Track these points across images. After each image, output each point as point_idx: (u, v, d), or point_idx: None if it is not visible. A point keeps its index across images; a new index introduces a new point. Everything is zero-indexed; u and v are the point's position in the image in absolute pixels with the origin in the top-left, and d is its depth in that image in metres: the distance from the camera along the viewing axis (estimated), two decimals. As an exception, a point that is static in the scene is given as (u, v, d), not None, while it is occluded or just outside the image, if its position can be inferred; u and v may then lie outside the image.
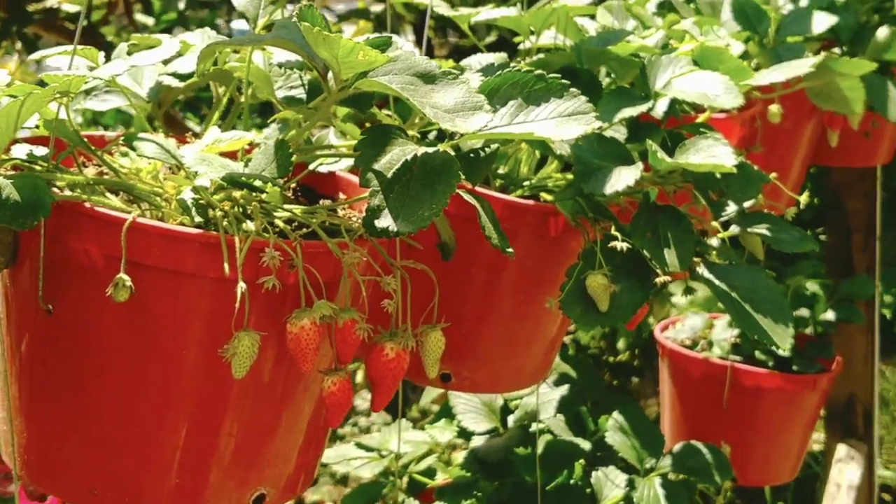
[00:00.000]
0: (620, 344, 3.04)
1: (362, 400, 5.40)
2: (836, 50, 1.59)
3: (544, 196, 1.04)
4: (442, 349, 0.79)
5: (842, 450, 2.23)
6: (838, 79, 1.35)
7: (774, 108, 1.38)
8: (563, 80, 0.74)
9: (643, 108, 0.96)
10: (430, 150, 0.71)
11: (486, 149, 0.81)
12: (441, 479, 1.39)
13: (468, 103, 0.70)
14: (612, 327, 3.07)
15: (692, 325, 1.94)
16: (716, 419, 1.82)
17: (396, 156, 0.70)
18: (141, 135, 0.72)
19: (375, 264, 0.75)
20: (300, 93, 0.84)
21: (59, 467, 0.77)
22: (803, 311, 1.96)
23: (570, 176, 1.02)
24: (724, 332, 1.88)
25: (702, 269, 0.95)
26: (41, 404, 0.76)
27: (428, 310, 0.80)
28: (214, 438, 0.75)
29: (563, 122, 0.73)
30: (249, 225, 0.73)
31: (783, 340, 0.92)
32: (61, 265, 0.73)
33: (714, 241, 1.03)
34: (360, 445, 1.41)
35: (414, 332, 0.78)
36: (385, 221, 0.68)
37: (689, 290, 1.21)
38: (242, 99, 0.82)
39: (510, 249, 0.81)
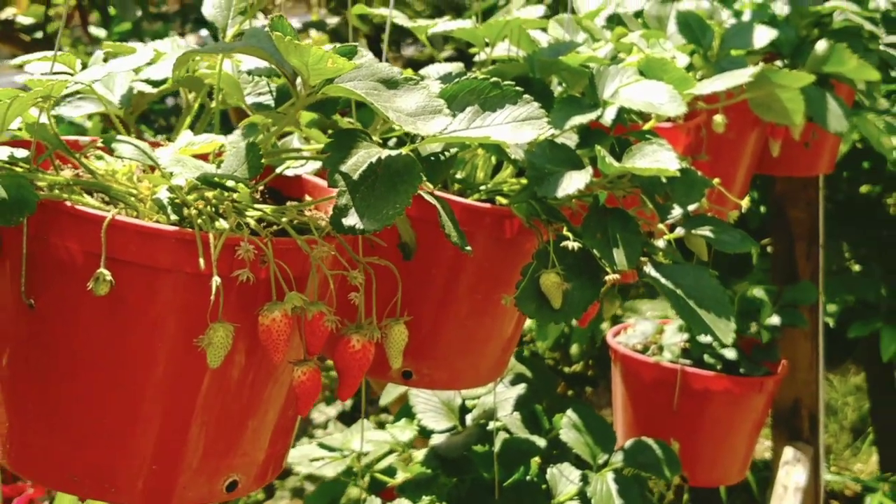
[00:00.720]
0: (574, 349, 3.10)
1: (319, 413, 5.42)
2: (778, 63, 1.66)
3: (500, 200, 1.09)
4: (405, 341, 0.84)
5: (788, 452, 2.30)
6: (779, 90, 1.41)
7: (718, 119, 1.44)
8: (517, 88, 0.79)
9: (592, 115, 1.01)
10: (393, 153, 0.75)
11: (446, 153, 0.86)
12: (401, 477, 1.43)
13: (428, 107, 0.75)
14: (566, 337, 3.13)
15: (643, 330, 2.00)
16: (666, 421, 1.87)
17: (362, 158, 0.75)
18: (118, 137, 0.76)
19: (343, 260, 0.79)
20: (268, 99, 0.88)
21: (40, 456, 0.80)
22: (750, 317, 2.02)
23: (524, 181, 1.07)
24: (673, 336, 1.94)
25: (649, 269, 1.01)
26: (22, 396, 0.80)
27: (391, 305, 0.85)
28: (189, 427, 0.79)
29: (517, 126, 0.78)
30: (223, 223, 0.77)
31: (725, 335, 0.97)
32: (42, 262, 0.76)
33: (661, 243, 1.08)
34: (322, 445, 1.45)
35: (378, 325, 0.82)
36: (352, 220, 0.73)
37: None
38: (213, 104, 0.86)
39: (469, 248, 0.86)
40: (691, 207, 1.10)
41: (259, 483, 0.86)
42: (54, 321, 0.77)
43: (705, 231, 1.08)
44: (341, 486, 1.42)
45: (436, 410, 1.37)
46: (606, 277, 0.98)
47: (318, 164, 0.94)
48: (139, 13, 2.70)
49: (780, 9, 1.72)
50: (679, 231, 1.10)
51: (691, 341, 1.93)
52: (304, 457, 1.45)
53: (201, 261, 0.73)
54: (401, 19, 1.17)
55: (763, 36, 1.47)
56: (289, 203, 0.87)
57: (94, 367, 0.77)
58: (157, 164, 0.75)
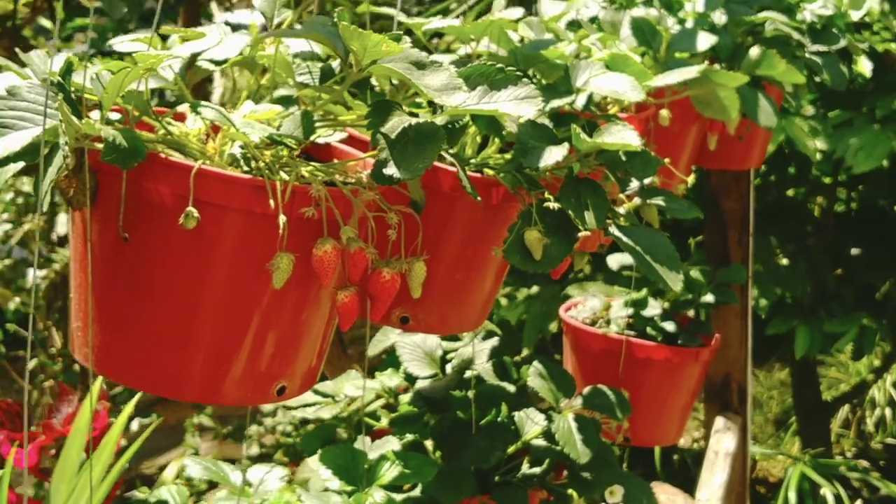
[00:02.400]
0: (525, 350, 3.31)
1: (269, 405, 5.56)
2: (717, 66, 1.88)
3: (487, 171, 1.29)
4: (424, 275, 1.04)
5: (719, 422, 2.53)
6: (718, 89, 1.63)
7: (664, 113, 1.65)
8: (518, 72, 0.99)
9: (569, 99, 1.22)
10: (421, 119, 0.95)
11: (458, 123, 1.06)
12: (385, 422, 1.63)
13: (451, 84, 0.95)
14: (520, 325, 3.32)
15: (592, 306, 2.21)
16: (612, 386, 2.09)
17: (396, 123, 0.95)
18: (203, 103, 0.95)
19: (384, 204, 0.99)
20: (308, 78, 1.08)
21: (126, 361, 0.98)
22: (687, 295, 2.25)
23: (507, 156, 1.27)
24: (620, 311, 2.16)
25: (613, 229, 1.21)
26: (114, 312, 0.98)
27: (412, 247, 1.05)
28: (252, 339, 0.98)
29: (518, 103, 0.98)
30: (282, 174, 0.96)
31: (675, 283, 1.18)
32: (136, 202, 0.95)
33: (622, 210, 1.29)
34: (316, 392, 1.64)
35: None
36: (391, 170, 0.93)
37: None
38: (263, 81, 1.05)
39: (479, 198, 1.06)
40: (647, 181, 1.31)
41: (301, 390, 1.05)
42: (145, 251, 0.95)
43: (659, 200, 1.30)
44: (333, 427, 1.61)
45: (420, 360, 1.57)
46: (579, 234, 1.19)
47: (341, 135, 1.14)
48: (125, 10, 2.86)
49: (719, 18, 1.94)
50: (637, 200, 1.31)
51: (635, 315, 2.14)
52: (301, 401, 1.64)
53: (271, 202, 0.92)
54: (401, 17, 1.36)
55: (705, 41, 1.69)
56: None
57: (177, 288, 0.96)
58: (234, 125, 0.94)
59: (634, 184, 1.31)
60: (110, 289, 0.98)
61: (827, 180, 4.13)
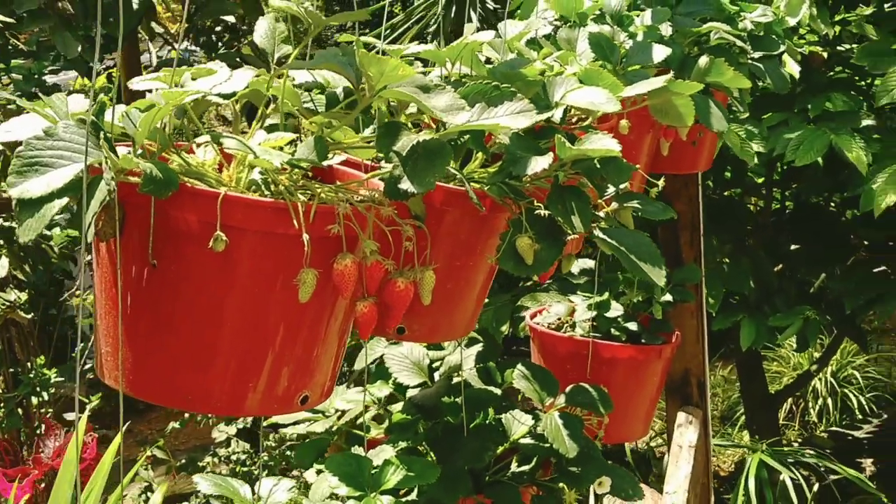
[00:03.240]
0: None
1: (219, 433, 5.57)
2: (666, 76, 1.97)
3: (473, 185, 1.36)
4: (433, 283, 1.10)
5: (681, 416, 2.62)
6: (674, 97, 1.72)
7: (624, 122, 1.74)
8: (512, 89, 1.07)
9: (549, 113, 1.30)
10: (428, 137, 1.02)
11: (461, 139, 1.13)
12: (374, 433, 1.69)
13: (455, 105, 1.02)
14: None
15: (557, 311, 2.30)
16: (590, 385, 2.17)
17: (406, 141, 1.02)
18: (225, 134, 1.01)
19: (398, 221, 1.05)
20: (311, 106, 1.14)
21: (159, 382, 1.04)
22: (645, 296, 2.34)
23: (491, 169, 1.35)
24: (584, 314, 2.24)
25: (598, 232, 1.29)
26: (144, 335, 1.03)
27: (422, 257, 1.11)
28: (278, 354, 1.04)
29: (515, 117, 1.06)
30: (300, 196, 1.03)
31: (659, 278, 1.26)
32: (163, 230, 1.00)
33: (601, 213, 1.37)
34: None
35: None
36: (405, 185, 1.00)
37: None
38: (270, 110, 1.12)
39: (483, 208, 1.13)
40: (622, 187, 1.39)
41: (321, 399, 1.11)
42: (173, 275, 1.01)
43: (635, 204, 1.38)
44: (326, 441, 1.66)
45: (408, 369, 1.64)
46: (567, 238, 1.27)
47: (342, 158, 1.20)
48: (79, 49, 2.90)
49: (665, 30, 2.03)
50: (614, 205, 1.39)
51: (599, 318, 2.23)
52: (291, 418, 1.69)
53: (295, 223, 0.98)
54: (381, 45, 1.43)
55: (660, 52, 1.78)
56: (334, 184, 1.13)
57: (205, 309, 1.01)
58: (254, 153, 1.00)
59: (611, 189, 1.39)
60: (139, 313, 1.03)
61: (759, 181, 4.28)
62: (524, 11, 2.63)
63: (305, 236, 0.98)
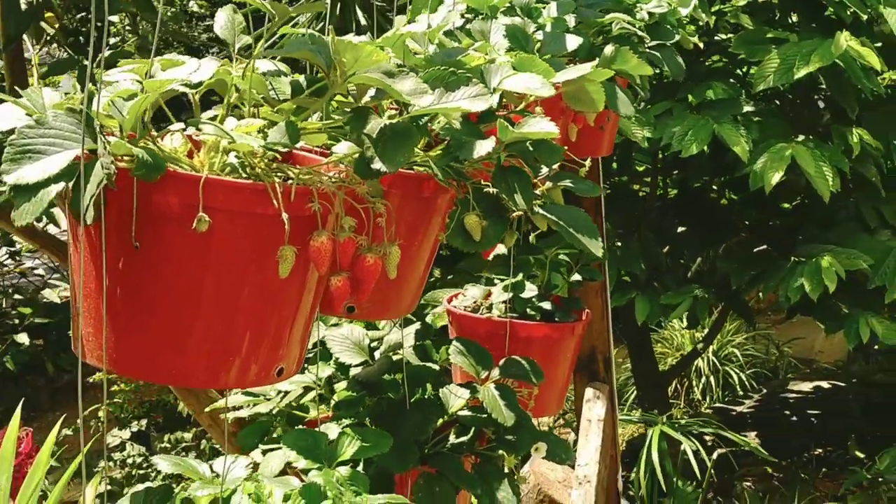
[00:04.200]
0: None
1: (112, 437, 5.52)
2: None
3: (416, 168, 1.43)
4: (399, 258, 1.17)
5: (589, 392, 2.74)
6: (587, 84, 1.82)
7: (539, 109, 1.83)
8: (468, 74, 1.14)
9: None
10: (394, 120, 1.09)
11: (421, 121, 1.20)
12: (313, 414, 1.74)
13: (418, 89, 1.09)
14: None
15: (473, 294, 2.38)
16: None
17: (375, 124, 1.09)
18: (203, 121, 1.06)
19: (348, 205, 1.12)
20: (273, 94, 1.20)
21: (142, 359, 1.08)
22: (558, 277, 2.44)
23: (432, 153, 1.42)
24: (500, 296, 2.33)
25: (538, 208, 1.38)
26: (128, 315, 1.07)
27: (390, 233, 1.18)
28: (257, 329, 1.09)
29: (473, 100, 1.14)
30: (275, 178, 1.08)
31: (597, 249, 1.36)
32: (145, 213, 1.05)
33: (538, 192, 1.46)
34: (246, 393, 1.74)
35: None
36: (377, 164, 1.06)
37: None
38: (240, 97, 1.17)
39: (454, 185, 1.21)
40: (554, 167, 1.48)
41: (294, 372, 1.17)
42: (155, 256, 1.06)
43: (567, 182, 1.47)
44: (269, 423, 1.71)
45: (350, 349, 1.70)
46: (511, 215, 1.35)
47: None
48: None
49: (570, 21, 2.14)
50: (548, 184, 1.48)
51: (515, 299, 2.32)
52: (233, 403, 1.74)
53: (275, 202, 1.04)
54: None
55: (573, 42, 1.88)
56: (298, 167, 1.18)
57: (185, 288, 1.06)
58: (232, 138, 1.05)
59: (544, 169, 1.48)
60: (121, 294, 1.07)
61: (641, 168, 4.45)
62: (416, 7, 2.71)
63: (285, 215, 1.04)
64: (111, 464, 5.58)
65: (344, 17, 5.09)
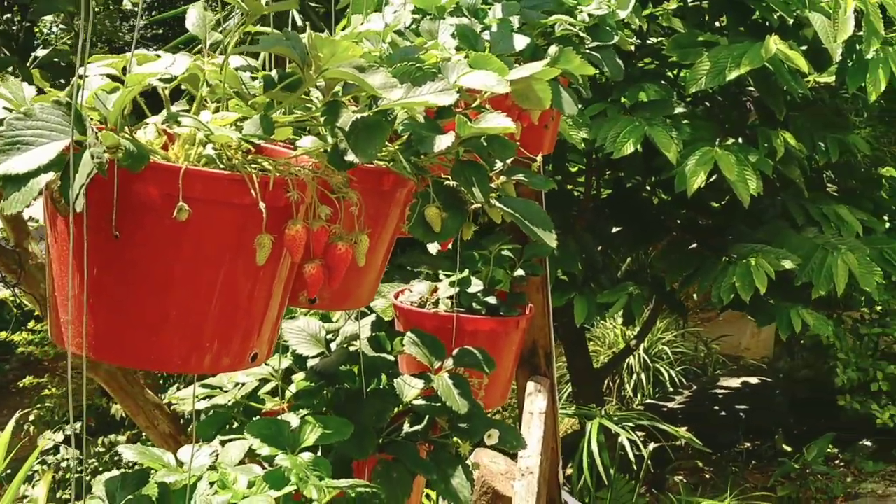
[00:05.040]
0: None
1: (46, 441, 5.46)
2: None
3: (376, 163, 1.48)
4: (367, 246, 1.22)
5: (531, 385, 2.80)
6: (534, 83, 1.88)
7: (488, 108, 1.89)
8: (434, 70, 1.19)
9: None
10: (365, 114, 1.14)
11: (391, 114, 1.25)
12: (269, 406, 1.78)
13: (388, 83, 1.14)
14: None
15: (419, 290, 2.43)
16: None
17: (347, 118, 1.13)
18: (182, 113, 1.10)
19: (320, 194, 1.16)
20: (244, 88, 1.24)
21: (119, 344, 1.11)
22: (500, 272, 2.50)
23: (391, 147, 1.47)
24: (446, 291, 2.38)
25: (494, 201, 1.43)
26: (107, 302, 1.11)
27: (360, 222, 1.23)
28: (233, 315, 1.13)
29: (439, 95, 1.19)
30: (251, 169, 1.12)
31: (551, 241, 1.42)
32: (125, 203, 1.08)
33: (493, 185, 1.51)
34: (204, 385, 1.77)
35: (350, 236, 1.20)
36: (350, 156, 1.11)
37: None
38: (211, 91, 1.21)
39: (414, 179, 1.25)
40: (508, 162, 1.54)
41: (267, 357, 1.21)
42: (135, 245, 1.09)
43: (521, 177, 1.53)
44: (226, 414, 1.75)
45: (307, 342, 1.74)
46: (470, 207, 1.40)
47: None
48: None
49: (515, 22, 2.20)
50: (503, 178, 1.53)
51: (461, 294, 2.37)
52: (188, 395, 1.76)
53: (253, 192, 1.08)
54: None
55: (521, 42, 1.94)
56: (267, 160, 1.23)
57: (163, 276, 1.10)
58: (211, 130, 1.09)
59: (499, 164, 1.54)
60: (100, 282, 1.11)
61: (574, 169, 4.54)
62: (357, 7, 2.76)
63: (262, 204, 1.08)
64: (44, 467, 5.53)
65: (280, 18, 5.11)
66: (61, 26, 4.88)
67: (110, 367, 3.84)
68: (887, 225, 4.43)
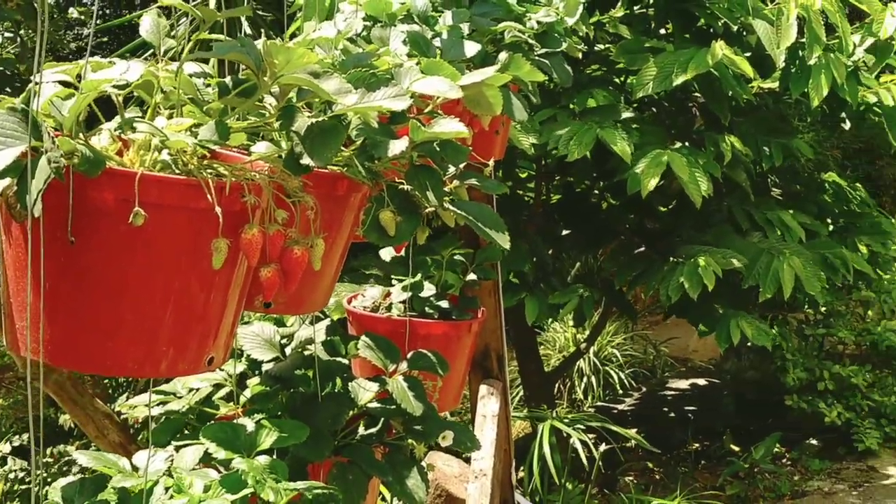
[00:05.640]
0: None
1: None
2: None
3: (330, 168, 1.49)
4: (323, 250, 1.23)
5: (484, 388, 2.83)
6: (485, 88, 1.90)
7: (441, 113, 1.91)
8: (387, 76, 1.21)
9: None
10: (321, 118, 1.15)
11: (346, 119, 1.26)
12: (224, 411, 1.78)
13: (343, 88, 1.16)
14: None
15: (372, 295, 2.44)
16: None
17: (303, 122, 1.15)
18: (138, 119, 1.10)
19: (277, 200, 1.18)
20: (200, 94, 1.25)
21: (74, 349, 1.12)
22: (453, 276, 2.52)
23: (346, 153, 1.48)
24: (399, 296, 2.40)
25: (448, 204, 1.45)
26: (63, 307, 1.11)
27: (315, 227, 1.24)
28: (190, 319, 1.14)
29: (393, 100, 1.21)
30: (205, 174, 1.13)
31: (504, 242, 1.44)
32: (81, 209, 1.09)
33: (447, 189, 1.53)
34: (157, 391, 1.77)
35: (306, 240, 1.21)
36: (306, 160, 1.13)
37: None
38: (165, 98, 1.21)
39: (370, 183, 1.27)
40: (461, 166, 1.56)
41: (224, 361, 1.22)
42: (91, 251, 1.09)
43: (473, 181, 1.55)
44: (181, 420, 1.75)
45: (261, 346, 1.75)
46: (424, 211, 1.42)
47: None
48: None
49: (465, 29, 2.22)
50: (456, 182, 1.55)
51: (414, 298, 2.39)
52: (142, 402, 1.77)
53: (209, 197, 1.09)
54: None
55: (471, 48, 1.96)
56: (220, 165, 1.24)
57: (119, 281, 1.11)
58: (166, 136, 1.10)
59: (452, 168, 1.56)
60: (56, 288, 1.11)
61: (523, 175, 4.58)
62: (307, 15, 2.77)
63: (218, 209, 1.09)
64: (-9, 477, 5.46)
65: (230, 25, 5.09)
66: (6, 34, 4.83)
67: (59, 376, 3.81)
68: (830, 228, 4.51)
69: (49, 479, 5.78)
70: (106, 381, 5.83)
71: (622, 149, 3.46)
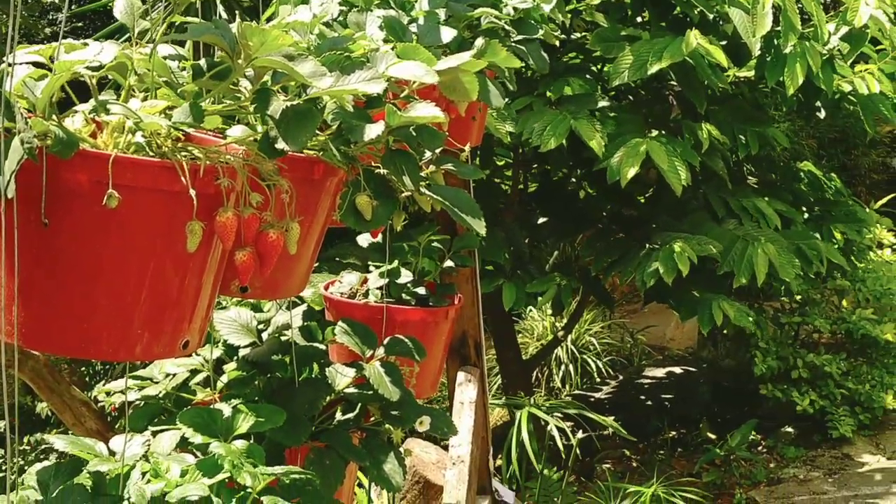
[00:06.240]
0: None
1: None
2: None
3: (306, 152, 1.49)
4: (298, 234, 1.23)
5: (461, 375, 2.83)
6: (461, 74, 1.90)
7: (417, 98, 1.91)
8: (362, 59, 1.21)
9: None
10: (295, 102, 1.15)
11: (321, 103, 1.26)
12: (200, 397, 1.78)
13: (318, 71, 1.15)
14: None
15: (349, 281, 2.44)
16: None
17: (278, 106, 1.14)
18: (111, 101, 1.10)
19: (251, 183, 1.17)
20: (173, 77, 1.24)
21: (50, 332, 1.11)
22: (430, 262, 2.52)
23: (321, 136, 1.48)
24: (376, 283, 2.40)
25: (424, 189, 1.45)
26: (38, 290, 1.10)
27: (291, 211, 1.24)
28: (165, 302, 1.14)
29: (368, 83, 1.20)
30: (179, 156, 1.13)
31: (480, 228, 1.44)
32: (55, 191, 1.08)
33: (423, 174, 1.53)
34: (133, 377, 1.77)
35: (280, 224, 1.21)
36: (281, 144, 1.12)
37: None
38: (139, 80, 1.21)
39: (345, 169, 1.27)
40: (437, 151, 1.56)
41: (199, 345, 1.22)
42: (65, 233, 1.09)
43: (450, 166, 1.55)
44: (157, 405, 1.74)
45: (238, 332, 1.74)
46: (400, 195, 1.42)
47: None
48: None
49: (441, 15, 2.22)
50: (432, 167, 1.55)
51: (391, 285, 2.39)
52: (120, 386, 1.76)
53: (183, 179, 1.09)
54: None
55: (447, 34, 1.96)
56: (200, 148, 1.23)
57: (93, 263, 1.10)
58: (140, 118, 1.10)
59: (428, 153, 1.56)
60: (30, 270, 1.10)
61: (501, 163, 4.58)
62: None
63: (192, 191, 1.09)
64: (-34, 469, 5.43)
65: (204, 8, 5.07)
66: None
67: (36, 363, 3.80)
68: (805, 216, 4.54)
69: (26, 467, 5.74)
70: (83, 368, 5.81)
71: (595, 141, 3.47)
